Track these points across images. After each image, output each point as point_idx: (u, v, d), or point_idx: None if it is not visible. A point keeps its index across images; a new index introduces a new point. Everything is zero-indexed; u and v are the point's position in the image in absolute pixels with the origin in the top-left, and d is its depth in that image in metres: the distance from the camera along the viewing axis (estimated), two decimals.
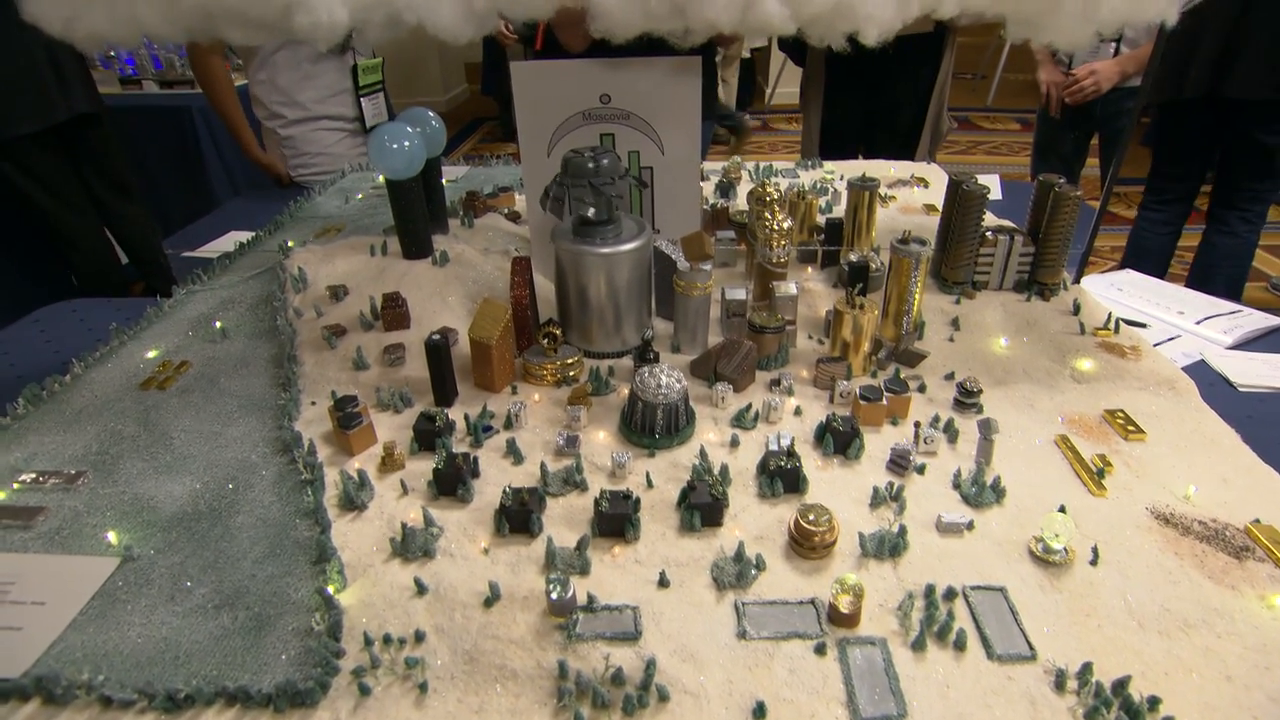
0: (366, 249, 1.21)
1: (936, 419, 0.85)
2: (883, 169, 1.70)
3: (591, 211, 0.88)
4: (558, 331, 0.93)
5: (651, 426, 0.82)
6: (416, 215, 1.13)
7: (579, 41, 0.90)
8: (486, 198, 1.47)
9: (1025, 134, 4.94)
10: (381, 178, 1.67)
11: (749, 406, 0.87)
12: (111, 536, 0.73)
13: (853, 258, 1.11)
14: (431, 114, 1.18)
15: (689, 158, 1.09)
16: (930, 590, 0.66)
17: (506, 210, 1.45)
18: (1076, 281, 1.11)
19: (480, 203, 1.40)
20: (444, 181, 1.29)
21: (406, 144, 1.06)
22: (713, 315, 1.03)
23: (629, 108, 1.04)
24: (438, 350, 0.87)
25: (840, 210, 1.40)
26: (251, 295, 1.18)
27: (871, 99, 1.97)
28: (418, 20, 0.90)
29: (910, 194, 1.55)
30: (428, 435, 0.83)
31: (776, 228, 1.01)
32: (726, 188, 1.48)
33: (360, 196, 1.64)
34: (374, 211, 1.53)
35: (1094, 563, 0.69)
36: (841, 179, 1.62)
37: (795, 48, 2.13)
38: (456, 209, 1.43)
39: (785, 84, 5.55)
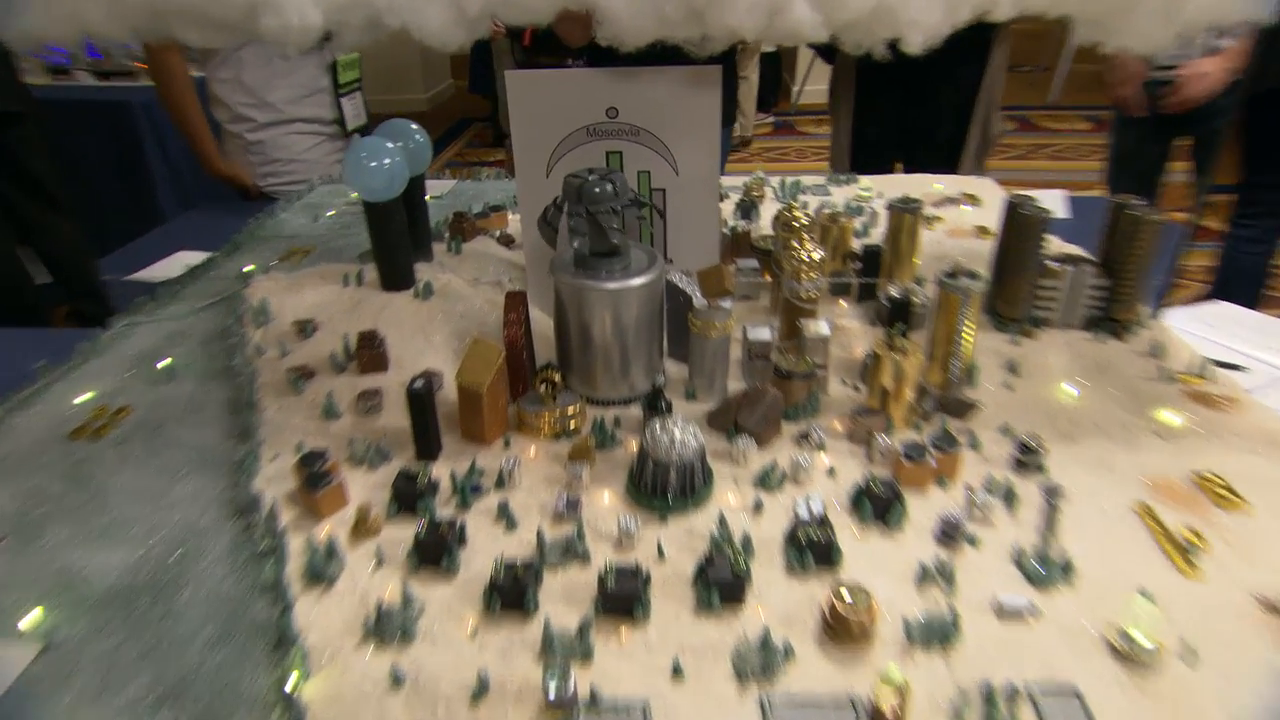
0: (339, 278, 1.23)
1: (992, 481, 0.85)
2: (925, 185, 1.72)
3: (577, 244, 0.91)
4: (557, 377, 0.94)
5: (663, 488, 0.83)
6: (397, 241, 1.15)
7: (580, 34, 0.92)
8: (476, 218, 1.50)
9: (1097, 135, 4.80)
10: (356, 195, 1.70)
11: (774, 465, 0.87)
12: (31, 617, 0.70)
13: (893, 291, 1.12)
14: (415, 126, 1.21)
15: (707, 179, 1.11)
16: (988, 689, 0.65)
17: (499, 233, 1.48)
18: (1158, 316, 1.11)
19: (469, 225, 1.43)
20: (428, 199, 1.31)
21: (387, 162, 1.08)
22: (733, 357, 1.04)
23: (639, 123, 1.07)
24: (420, 398, 0.88)
25: (878, 235, 1.43)
26: (204, 329, 1.19)
27: (910, 100, 1.98)
28: (401, 24, 0.93)
29: (959, 214, 1.57)
30: (408, 496, 0.83)
31: (805, 259, 1.02)
32: (748, 208, 1.51)
33: (331, 214, 1.67)
34: (347, 232, 1.56)
35: (1188, 660, 0.66)
36: (879, 197, 1.64)
37: (824, 44, 2.17)
38: (442, 232, 1.46)
39: (816, 80, 5.64)
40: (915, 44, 0.91)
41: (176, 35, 0.95)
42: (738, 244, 1.34)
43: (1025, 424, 0.94)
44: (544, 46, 3.31)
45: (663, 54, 0.96)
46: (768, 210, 1.55)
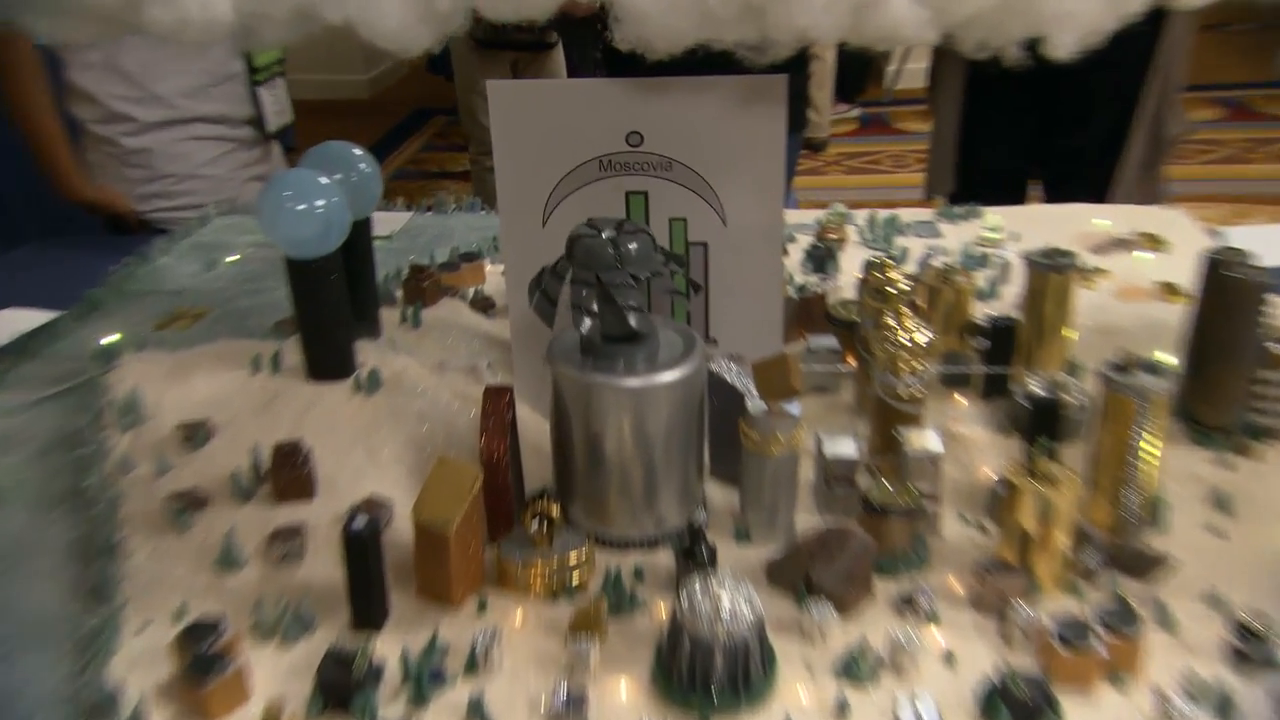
0: (245, 360, 1.27)
1: (1195, 681, 0.84)
2: (1082, 219, 1.75)
3: (587, 325, 0.95)
4: (554, 510, 0.96)
5: (705, 678, 0.84)
6: (332, 313, 1.19)
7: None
8: (441, 271, 1.55)
9: None
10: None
11: (864, 645, 0.88)
12: None
13: (1035, 387, 1.14)
14: (359, 152, 1.27)
15: (767, 231, 1.15)
16: None
17: (473, 292, 1.52)
18: None
19: (432, 282, 1.48)
20: (375, 240, 1.37)
21: (320, 205, 1.13)
22: (802, 481, 1.06)
23: (672, 153, 1.11)
24: (360, 541, 0.91)
25: (1012, 299, 1.45)
26: (42, 431, 1.21)
27: (1045, 90, 1.99)
28: (344, 19, 0.99)
29: (1131, 265, 1.59)
30: (339, 688, 0.85)
31: (906, 341, 1.05)
32: (822, 258, 1.55)
33: (234, 259, 1.71)
34: (257, 286, 1.61)
35: None
36: (1013, 240, 1.68)
37: None
38: (393, 292, 1.51)
39: (920, 56, 5.79)
40: (1065, 45, 0.95)
41: (22, 25, 1.01)
42: (808, 313, 1.37)
43: (1244, 591, 0.92)
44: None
45: (705, 61, 1.01)
46: (851, 258, 1.60)
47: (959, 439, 1.14)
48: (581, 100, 1.11)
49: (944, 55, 2.19)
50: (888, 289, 1.16)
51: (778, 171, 1.12)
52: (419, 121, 6.31)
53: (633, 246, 0.96)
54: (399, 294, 1.50)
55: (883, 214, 1.79)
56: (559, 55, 3.66)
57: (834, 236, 1.69)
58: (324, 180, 1.15)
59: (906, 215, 1.79)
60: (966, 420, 1.18)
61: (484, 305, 1.47)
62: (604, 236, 0.96)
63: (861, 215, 1.80)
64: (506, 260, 1.20)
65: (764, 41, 0.96)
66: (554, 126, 1.12)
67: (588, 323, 0.95)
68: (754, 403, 1.01)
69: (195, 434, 1.15)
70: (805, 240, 1.67)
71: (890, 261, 1.21)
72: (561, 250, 0.99)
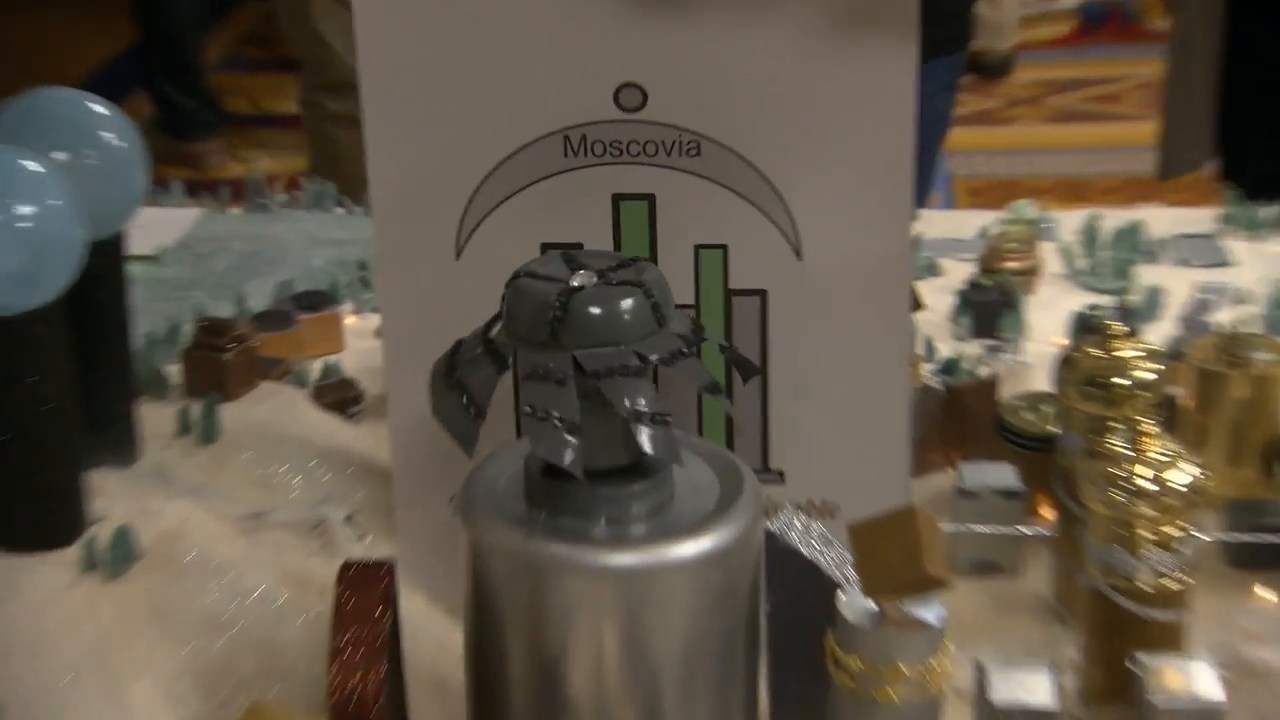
0: None
1: None
2: None
3: (568, 456, 0.95)
4: None
5: None
6: (40, 421, 1.21)
7: None
8: (258, 329, 1.59)
9: None
10: None
11: None
12: None
13: None
14: (103, 110, 1.31)
15: (882, 267, 1.18)
16: None
17: (319, 370, 1.57)
18: None
19: (240, 350, 1.51)
20: (133, 266, 1.40)
21: (23, 217, 1.15)
22: None
23: (700, 125, 1.15)
24: None
25: None
26: None
27: None
28: None
29: None
30: None
31: (1151, 483, 1.07)
32: (991, 310, 1.59)
33: None
34: None
35: None
36: None
37: None
38: (159, 370, 1.55)
39: None
40: None
41: None
42: (960, 420, 1.40)
43: None
44: None
45: None
46: (1048, 310, 1.63)
47: (1261, 676, 1.16)
48: (533, 22, 1.15)
49: None
50: (1115, 379, 1.19)
51: (903, 155, 1.15)
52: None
53: (628, 304, 0.97)
54: (181, 376, 1.54)
55: (1113, 219, 1.83)
56: None
57: (1014, 265, 1.72)
58: (31, 167, 1.18)
59: (1162, 221, 1.82)
60: (1277, 637, 1.21)
61: (339, 397, 1.51)
62: (575, 284, 0.97)
63: (1070, 220, 1.83)
64: (385, 316, 1.23)
65: None
66: (481, 69, 1.15)
67: (571, 451, 0.95)
68: (852, 598, 1.02)
69: None
70: (958, 273, 1.71)
71: (1119, 325, 1.24)
72: (491, 301, 1.01)
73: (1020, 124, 5.58)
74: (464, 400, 0.99)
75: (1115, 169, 5.29)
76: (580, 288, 0.97)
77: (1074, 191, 5.11)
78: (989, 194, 5.13)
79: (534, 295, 0.96)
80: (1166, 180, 2.28)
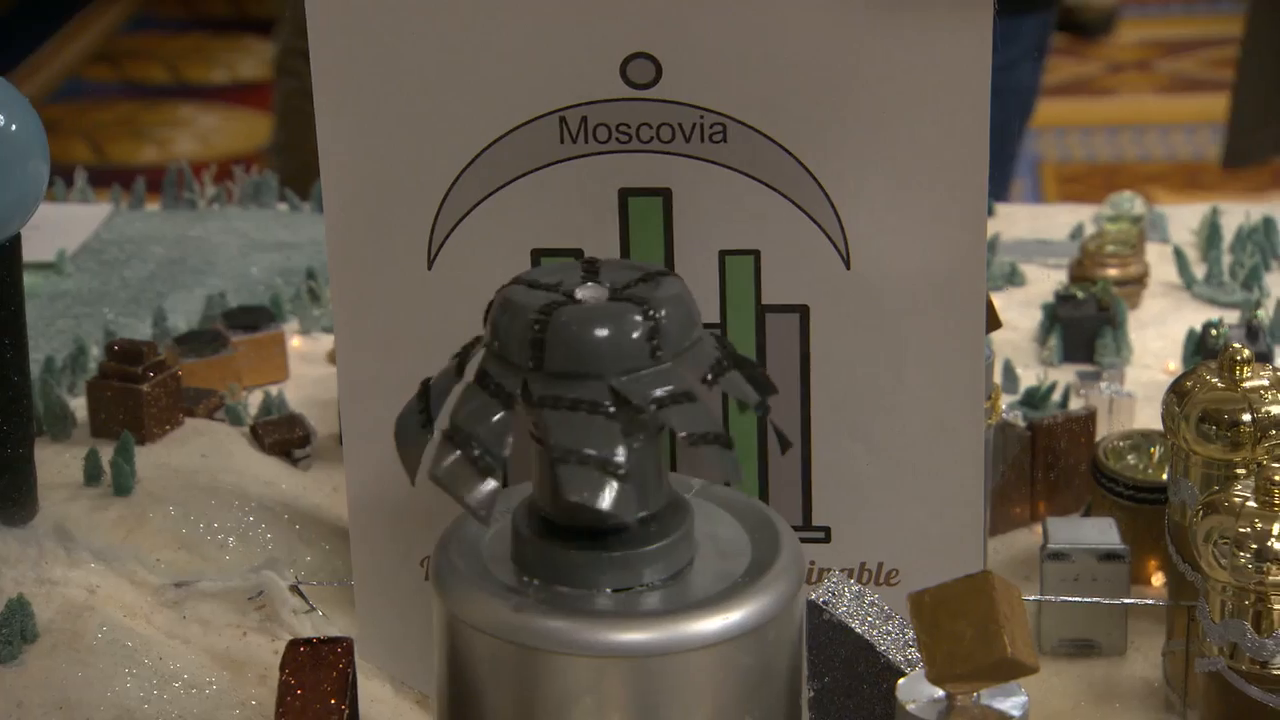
0: None
1: None
2: None
3: (610, 497, 0.94)
4: None
5: None
6: None
7: None
8: (183, 354, 1.60)
9: None
10: None
11: None
12: None
13: None
14: None
15: (950, 280, 1.19)
16: None
17: (260, 402, 1.57)
18: None
19: (161, 379, 1.51)
20: (26, 274, 1.40)
21: None
22: None
23: (725, 105, 1.15)
24: None
25: None
26: None
27: None
28: None
29: None
30: None
31: None
32: (1087, 329, 1.60)
33: None
34: None
35: None
36: None
37: None
38: (61, 404, 1.55)
39: None
40: None
41: None
42: (1046, 463, 1.40)
43: None
44: None
45: None
46: (1157, 327, 1.65)
47: None
48: None
49: None
50: (1241, 415, 1.20)
51: (976, 139, 1.16)
52: None
53: (615, 328, 0.97)
54: (79, 409, 1.55)
55: (1238, 214, 1.84)
56: None
57: (1115, 273, 1.73)
58: None
59: None
60: None
61: (283, 438, 1.51)
62: (582, 295, 0.98)
63: (1184, 216, 1.84)
64: (341, 339, 1.24)
65: None
66: (459, 36, 1.16)
67: (610, 493, 0.95)
68: (915, 685, 1.03)
69: None
70: (1044, 282, 1.72)
71: (1245, 348, 1.24)
72: (470, 320, 1.02)
73: (1124, 94, 5.60)
74: (475, 454, 0.96)
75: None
76: (574, 302, 0.96)
77: (1189, 178, 5.11)
78: (1085, 182, 5.13)
79: (517, 308, 0.95)
80: (1232, 169, 2.29)
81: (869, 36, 1.14)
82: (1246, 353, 1.22)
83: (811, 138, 1.16)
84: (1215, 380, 1.20)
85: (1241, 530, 1.07)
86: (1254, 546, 1.06)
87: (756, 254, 1.18)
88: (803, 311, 1.19)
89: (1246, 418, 1.17)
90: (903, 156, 1.17)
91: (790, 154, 1.16)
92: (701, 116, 1.15)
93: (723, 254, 1.18)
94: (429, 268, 1.20)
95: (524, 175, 1.18)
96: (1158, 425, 1.39)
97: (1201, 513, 1.10)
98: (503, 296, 0.95)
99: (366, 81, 1.19)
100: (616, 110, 1.16)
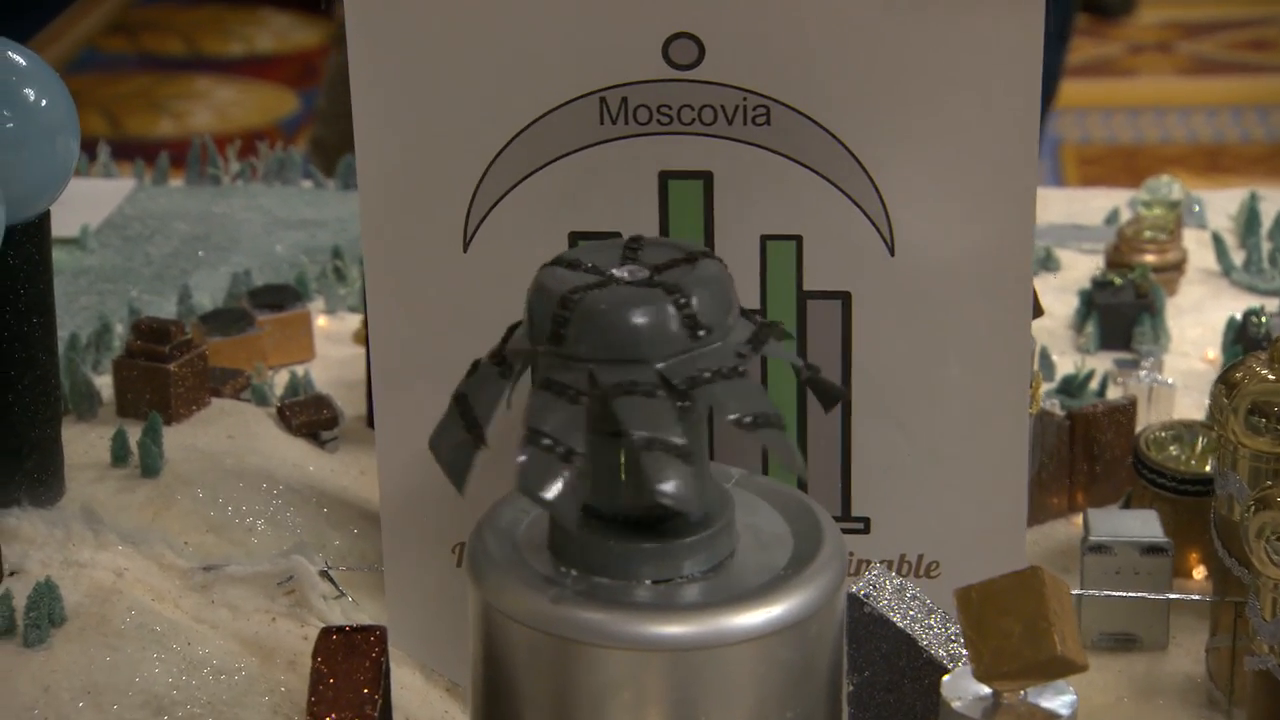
0: None
1: None
2: None
3: (673, 488, 0.93)
4: None
5: None
6: None
7: None
8: (208, 332, 1.60)
9: None
10: None
11: None
12: None
13: None
14: (19, 57, 1.31)
15: (998, 266, 1.18)
16: None
17: (287, 381, 1.57)
18: None
19: (189, 358, 1.51)
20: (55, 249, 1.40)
21: None
22: None
23: (769, 87, 1.14)
24: None
25: None
26: None
27: None
28: None
29: None
30: None
31: None
32: (1124, 316, 1.59)
33: None
34: None
35: None
36: None
37: None
38: (87, 382, 1.54)
39: None
40: None
41: None
42: (1089, 454, 1.39)
43: None
44: None
45: None
46: (1198, 315, 1.64)
47: None
48: None
49: None
50: None
51: (1026, 124, 1.15)
52: None
53: (652, 311, 0.96)
54: (104, 388, 1.54)
55: (1275, 200, 1.83)
56: None
57: (1152, 259, 1.72)
58: None
59: None
60: None
61: (311, 419, 1.51)
62: (621, 276, 0.97)
63: (1222, 201, 1.83)
64: (375, 321, 1.23)
65: None
66: (498, 16, 1.15)
67: (671, 487, 0.93)
68: (960, 682, 1.02)
69: None
70: (1079, 267, 1.71)
71: None
72: (505, 303, 1.01)
73: (1146, 76, 5.60)
74: (464, 424, 0.97)
75: (1263, 134, 5.29)
76: (607, 284, 0.95)
77: (1210, 160, 5.11)
78: (1106, 164, 5.13)
79: (548, 288, 0.94)
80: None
81: (916, 17, 1.13)
82: None
83: (856, 121, 1.15)
84: (1265, 372, 1.19)
85: None
86: None
87: (799, 239, 1.17)
88: (845, 298, 1.18)
89: None
90: (949, 140, 1.16)
91: (834, 137, 1.15)
92: (744, 98, 1.14)
93: (764, 238, 1.17)
94: (464, 250, 1.19)
95: (563, 157, 1.17)
96: (1197, 414, 1.38)
97: (1253, 508, 1.09)
98: (541, 276, 0.95)
99: (403, 60, 1.18)
100: (657, 91, 1.15)
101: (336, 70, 3.98)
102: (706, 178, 1.16)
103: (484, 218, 1.18)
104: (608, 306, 0.91)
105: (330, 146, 2.01)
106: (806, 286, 1.18)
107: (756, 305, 1.18)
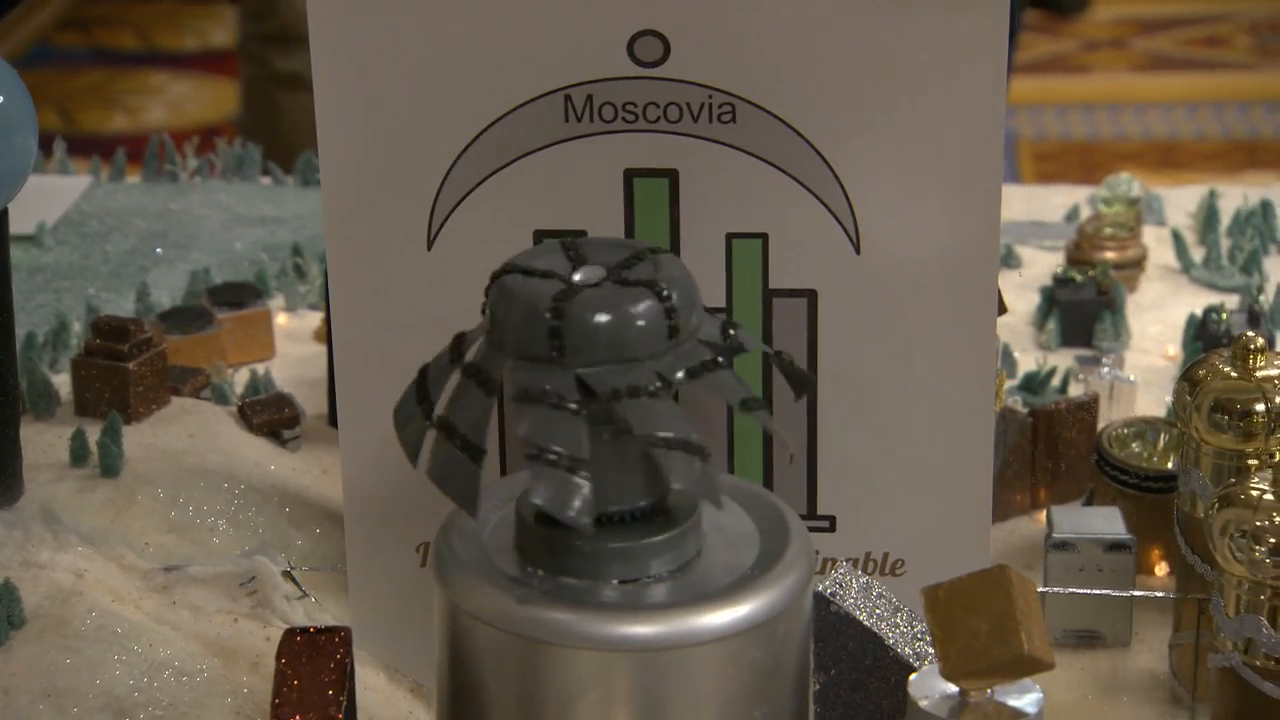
0: None
1: None
2: None
3: (576, 506, 0.93)
4: None
5: None
6: None
7: None
8: (168, 330, 1.59)
9: None
10: None
11: None
12: None
13: None
14: None
15: (964, 263, 1.18)
16: None
17: (247, 380, 1.57)
18: None
19: (148, 357, 1.50)
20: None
21: None
22: None
23: (734, 84, 1.14)
24: None
25: None
26: None
27: None
28: None
29: None
30: None
31: None
32: (1085, 313, 1.59)
33: None
34: None
35: None
36: None
37: None
38: (45, 381, 1.54)
39: None
40: None
41: None
42: (1051, 452, 1.40)
43: None
44: None
45: None
46: (1157, 312, 1.64)
47: None
48: None
49: None
50: (1255, 405, 1.18)
51: (991, 122, 1.15)
52: None
53: (643, 309, 0.96)
54: (62, 387, 1.54)
55: (1235, 197, 1.83)
56: None
57: (1113, 256, 1.73)
58: None
59: None
60: None
61: (272, 417, 1.51)
62: (580, 279, 0.97)
63: (1180, 199, 1.83)
64: (338, 319, 1.23)
65: None
66: (461, 12, 1.15)
67: (580, 498, 0.94)
68: (927, 680, 1.02)
69: None
70: (1040, 264, 1.71)
71: (1257, 335, 1.23)
72: (470, 302, 1.00)
73: (1100, 72, 5.61)
74: (460, 448, 0.96)
75: (1217, 130, 5.31)
76: (581, 288, 0.95)
77: (1165, 157, 5.13)
78: (1061, 160, 5.15)
79: (524, 298, 0.94)
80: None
81: (882, 15, 1.13)
82: (1260, 341, 1.22)
83: (822, 119, 1.15)
84: (1228, 369, 1.20)
85: (1259, 524, 1.06)
86: (1272, 541, 1.06)
87: (764, 237, 1.17)
88: (811, 296, 1.18)
89: (1260, 408, 1.17)
90: (915, 138, 1.16)
91: (800, 135, 1.15)
92: (710, 96, 1.14)
93: (730, 237, 1.17)
94: (429, 248, 1.19)
95: (527, 155, 1.17)
96: (1158, 411, 1.39)
97: (1217, 505, 1.09)
98: (500, 286, 0.95)
99: (366, 57, 1.18)
100: (623, 89, 1.15)
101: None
102: (672, 175, 1.16)
103: (448, 215, 1.18)
104: (603, 311, 0.91)
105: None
106: (772, 285, 1.18)
107: (723, 304, 1.18)
